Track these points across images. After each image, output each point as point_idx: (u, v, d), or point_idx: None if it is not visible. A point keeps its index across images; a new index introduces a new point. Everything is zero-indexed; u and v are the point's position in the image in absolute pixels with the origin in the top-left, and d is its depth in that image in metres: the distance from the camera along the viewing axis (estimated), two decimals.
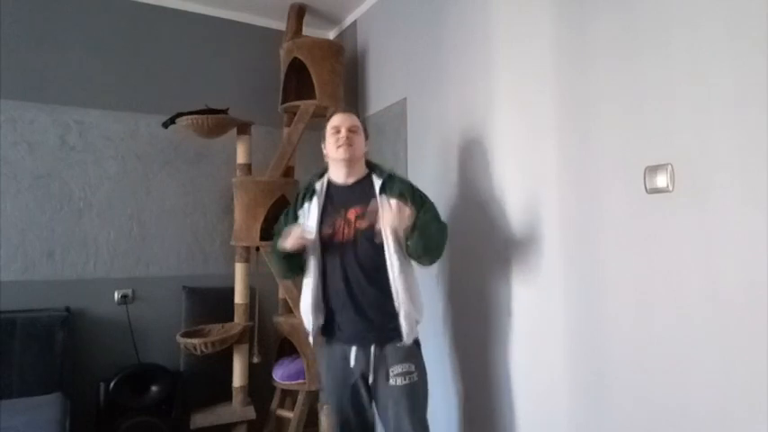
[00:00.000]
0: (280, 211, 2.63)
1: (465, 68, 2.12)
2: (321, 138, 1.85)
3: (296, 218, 1.82)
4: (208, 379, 2.64)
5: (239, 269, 2.59)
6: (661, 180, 1.33)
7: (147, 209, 2.75)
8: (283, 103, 2.79)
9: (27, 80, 2.52)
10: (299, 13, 2.92)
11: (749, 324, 1.16)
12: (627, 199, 1.43)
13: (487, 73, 1.99)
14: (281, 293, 2.71)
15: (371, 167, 1.83)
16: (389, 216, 1.61)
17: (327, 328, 1.77)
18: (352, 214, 1.73)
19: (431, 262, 1.78)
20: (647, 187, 1.36)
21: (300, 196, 1.85)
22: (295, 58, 2.69)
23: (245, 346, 2.57)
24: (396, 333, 1.69)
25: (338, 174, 1.79)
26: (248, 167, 2.64)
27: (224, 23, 3.00)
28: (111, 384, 2.40)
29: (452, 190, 2.14)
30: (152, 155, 2.77)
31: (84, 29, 2.66)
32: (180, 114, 2.50)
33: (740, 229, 1.18)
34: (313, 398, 2.59)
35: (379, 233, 1.64)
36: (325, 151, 1.83)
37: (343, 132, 1.75)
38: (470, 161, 2.08)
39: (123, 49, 2.74)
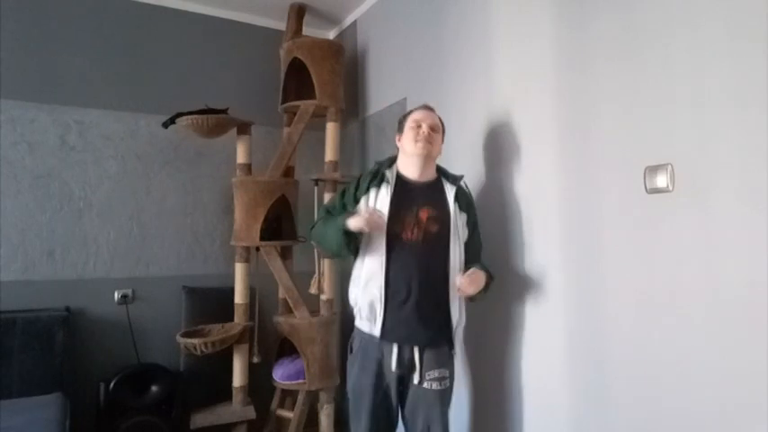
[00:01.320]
0: (280, 211, 2.67)
1: (465, 68, 2.12)
2: (395, 127, 1.83)
3: (356, 201, 1.76)
4: (208, 379, 2.64)
5: (239, 269, 2.59)
6: (661, 180, 1.33)
7: (147, 209, 2.75)
8: (283, 103, 2.79)
9: (27, 80, 2.52)
10: (298, 13, 2.92)
11: (749, 324, 1.16)
12: (627, 199, 1.43)
13: (487, 73, 1.99)
14: (281, 293, 2.71)
15: (440, 171, 1.81)
16: (468, 288, 1.62)
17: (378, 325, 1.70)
18: (423, 214, 1.68)
19: None
20: (647, 187, 1.36)
21: (367, 180, 1.76)
22: (295, 58, 2.69)
23: (245, 346, 2.57)
24: (444, 339, 1.71)
25: (411, 169, 1.75)
26: (248, 167, 2.64)
27: (224, 23, 3.00)
28: (111, 384, 2.40)
29: None
30: (152, 155, 2.77)
31: (84, 29, 2.66)
32: (180, 114, 2.50)
33: (740, 229, 1.18)
34: (313, 398, 2.59)
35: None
36: (398, 143, 1.80)
37: (425, 128, 1.72)
38: (470, 161, 2.08)
39: (123, 49, 2.74)
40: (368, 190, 1.74)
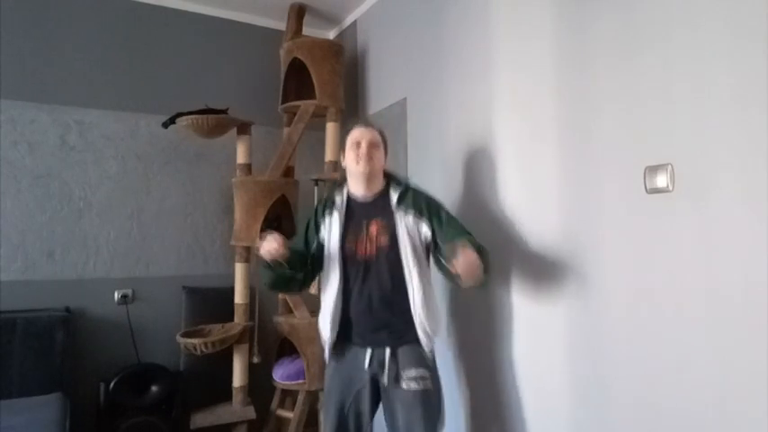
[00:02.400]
0: (280, 211, 2.67)
1: (465, 68, 2.12)
2: (341, 147, 1.84)
3: (317, 228, 1.81)
4: (208, 379, 2.64)
5: (239, 269, 2.59)
6: (661, 180, 1.33)
7: (147, 209, 2.75)
8: (283, 103, 2.79)
9: (27, 80, 2.52)
10: (299, 13, 2.92)
11: (749, 324, 1.16)
12: (627, 199, 1.43)
13: (487, 73, 1.99)
14: (281, 293, 2.71)
15: (389, 178, 1.82)
16: (469, 271, 1.48)
17: (343, 337, 1.75)
18: (373, 229, 1.73)
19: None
20: (647, 187, 1.36)
21: (321, 207, 1.83)
22: (295, 58, 2.69)
23: (245, 346, 2.57)
24: (415, 342, 1.71)
25: (357, 187, 1.78)
26: (248, 167, 2.64)
27: (224, 23, 3.00)
28: (111, 384, 2.40)
29: (452, 189, 2.14)
30: (152, 155, 2.77)
31: (84, 29, 2.66)
32: (180, 114, 2.50)
33: (740, 229, 1.18)
34: (313, 398, 2.59)
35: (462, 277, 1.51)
36: (343, 163, 1.82)
37: (364, 147, 1.73)
38: (470, 161, 2.08)
39: (123, 49, 2.74)
40: (323, 216, 1.79)
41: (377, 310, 1.70)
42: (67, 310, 2.46)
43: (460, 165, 2.13)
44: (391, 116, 2.63)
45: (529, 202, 1.80)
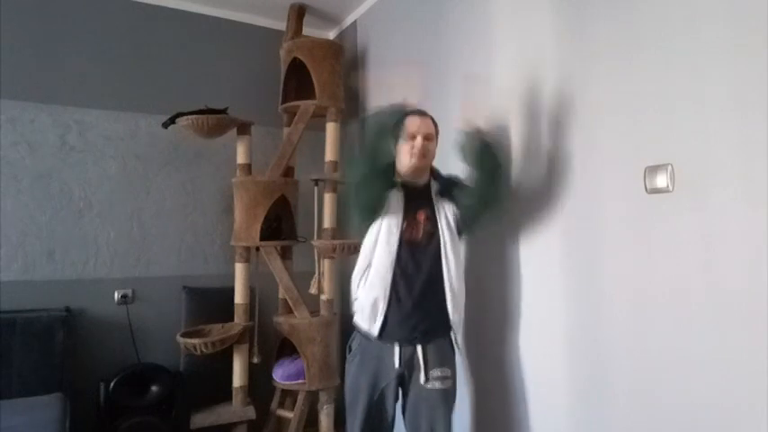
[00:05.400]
0: (280, 212, 2.67)
1: (465, 68, 2.12)
2: (393, 131, 1.74)
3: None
4: (208, 379, 2.64)
5: (239, 269, 2.59)
6: (661, 180, 1.33)
7: (147, 209, 2.75)
8: (283, 103, 2.79)
9: (27, 80, 2.52)
10: (299, 14, 2.92)
11: (749, 324, 1.16)
12: (627, 199, 1.43)
13: (487, 73, 1.99)
14: (281, 293, 2.71)
15: (433, 173, 1.84)
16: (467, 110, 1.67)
17: (381, 327, 1.72)
18: (421, 216, 1.74)
19: (490, 215, 1.76)
20: (647, 187, 1.36)
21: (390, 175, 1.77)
22: (295, 58, 2.69)
23: (245, 346, 2.57)
24: (444, 336, 1.73)
25: (408, 175, 1.77)
26: (248, 167, 2.64)
27: (224, 23, 3.00)
28: (111, 384, 2.39)
29: None
30: (152, 155, 2.77)
31: (83, 29, 2.66)
32: (180, 114, 2.50)
33: (740, 229, 1.18)
34: (313, 398, 2.59)
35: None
36: (395, 148, 1.77)
37: (419, 141, 1.70)
38: None
39: (123, 49, 2.74)
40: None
41: (417, 295, 1.69)
42: (67, 310, 2.46)
43: (460, 165, 2.12)
44: None
45: (528, 201, 1.80)
